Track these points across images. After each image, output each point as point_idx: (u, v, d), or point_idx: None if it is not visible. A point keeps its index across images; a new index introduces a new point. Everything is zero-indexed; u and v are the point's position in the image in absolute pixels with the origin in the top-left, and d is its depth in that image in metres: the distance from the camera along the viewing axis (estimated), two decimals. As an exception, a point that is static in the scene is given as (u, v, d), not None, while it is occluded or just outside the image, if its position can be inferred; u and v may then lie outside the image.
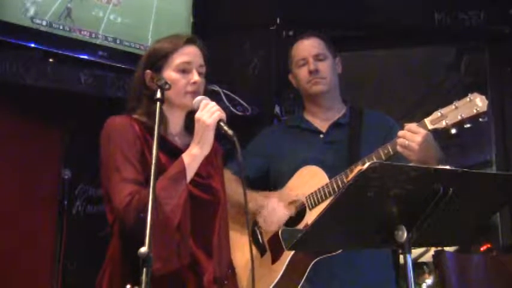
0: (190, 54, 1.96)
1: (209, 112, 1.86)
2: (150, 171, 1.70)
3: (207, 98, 1.93)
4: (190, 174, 1.85)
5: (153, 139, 1.84)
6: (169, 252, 1.76)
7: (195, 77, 1.93)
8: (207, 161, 1.94)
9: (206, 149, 1.87)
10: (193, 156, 1.86)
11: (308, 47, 2.53)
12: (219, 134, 1.89)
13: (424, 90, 5.14)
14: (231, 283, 1.97)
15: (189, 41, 1.98)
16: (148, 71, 1.95)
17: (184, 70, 1.94)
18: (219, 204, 1.97)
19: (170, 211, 1.75)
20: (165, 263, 1.74)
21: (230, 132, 1.83)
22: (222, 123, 1.85)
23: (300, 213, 2.36)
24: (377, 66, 4.58)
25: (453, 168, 1.63)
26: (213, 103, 1.89)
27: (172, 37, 2.01)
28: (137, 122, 1.92)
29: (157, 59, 1.96)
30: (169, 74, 1.94)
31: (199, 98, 1.92)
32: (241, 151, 1.97)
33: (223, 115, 1.87)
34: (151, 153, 1.81)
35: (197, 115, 1.87)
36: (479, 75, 4.18)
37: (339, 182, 2.25)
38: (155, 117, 1.85)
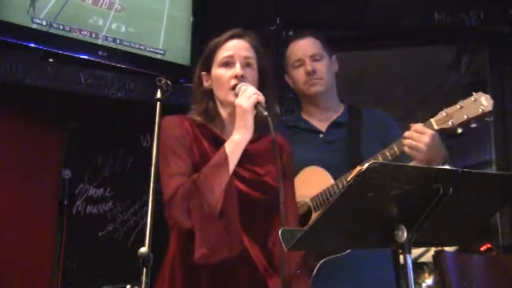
0: (232, 48, 1.96)
1: (246, 96, 1.85)
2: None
3: (247, 83, 1.91)
4: (233, 160, 1.84)
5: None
6: (216, 239, 1.78)
7: (237, 69, 1.92)
8: (267, 157, 1.94)
9: (247, 134, 1.86)
10: (234, 143, 1.85)
11: (303, 47, 2.51)
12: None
13: (424, 90, 5.14)
14: (302, 283, 1.94)
15: (232, 36, 1.99)
16: (203, 72, 2.00)
17: (227, 64, 1.95)
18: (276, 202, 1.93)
19: (212, 198, 1.77)
20: (212, 250, 1.76)
21: (265, 113, 1.82)
22: (259, 106, 1.84)
23: (306, 216, 2.35)
24: (377, 66, 4.57)
25: (453, 168, 1.62)
26: (252, 87, 1.88)
27: (220, 35, 2.03)
28: (189, 120, 1.95)
29: (206, 59, 2.00)
30: (215, 71, 1.96)
31: (240, 85, 1.90)
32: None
33: (261, 98, 1.85)
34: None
35: (236, 101, 1.87)
36: (479, 75, 4.19)
37: (345, 182, 2.24)
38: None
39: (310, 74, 2.46)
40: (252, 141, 1.92)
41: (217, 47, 1.98)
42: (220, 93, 1.95)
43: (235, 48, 1.96)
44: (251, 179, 1.90)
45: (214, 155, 1.88)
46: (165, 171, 1.85)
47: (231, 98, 1.91)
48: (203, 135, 1.95)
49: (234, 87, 1.91)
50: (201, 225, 1.76)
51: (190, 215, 1.76)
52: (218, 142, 1.92)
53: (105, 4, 2.97)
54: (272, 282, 1.88)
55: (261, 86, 1.98)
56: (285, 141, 2.09)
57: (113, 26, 2.97)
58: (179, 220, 1.79)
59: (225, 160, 1.82)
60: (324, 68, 2.48)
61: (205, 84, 2.01)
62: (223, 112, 1.98)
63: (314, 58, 2.48)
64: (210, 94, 2.00)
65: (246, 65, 1.95)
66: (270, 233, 1.92)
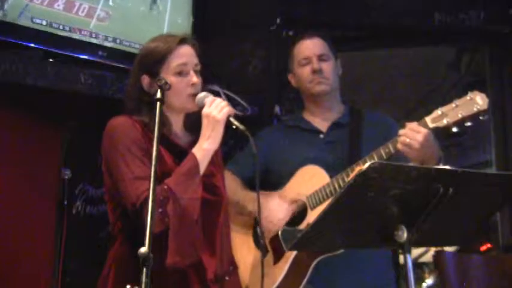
0: (185, 55, 1.95)
1: (218, 108, 1.87)
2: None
3: (209, 94, 1.94)
4: (202, 168, 1.87)
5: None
6: (188, 246, 1.79)
7: (194, 78, 1.94)
8: (210, 159, 1.94)
9: (216, 144, 1.89)
10: (205, 151, 1.87)
11: (312, 46, 2.53)
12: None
13: (424, 90, 5.14)
14: (233, 280, 1.99)
15: (182, 41, 1.96)
16: (144, 75, 1.94)
17: (181, 72, 1.93)
18: (221, 203, 1.98)
19: (189, 205, 1.78)
20: (184, 257, 1.77)
21: (242, 127, 1.86)
22: (232, 119, 1.88)
23: (301, 214, 2.36)
24: (377, 66, 4.57)
25: (453, 168, 1.63)
26: (220, 99, 1.91)
27: (165, 38, 2.00)
28: (139, 122, 1.91)
29: (153, 63, 1.93)
30: (167, 77, 1.91)
31: (201, 95, 1.93)
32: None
33: (232, 111, 1.89)
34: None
35: (205, 111, 1.88)
36: (479, 75, 4.18)
37: (340, 182, 2.25)
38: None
39: (317, 72, 2.48)
40: (192, 143, 1.93)
41: (168, 52, 1.93)
42: (176, 101, 1.93)
43: (188, 55, 1.96)
44: (203, 182, 1.89)
45: (169, 158, 1.89)
46: (128, 174, 1.82)
47: (189, 105, 1.94)
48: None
49: (192, 95, 1.92)
50: (177, 233, 1.76)
51: (162, 219, 1.74)
52: (171, 146, 1.93)
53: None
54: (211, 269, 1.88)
55: None
56: None
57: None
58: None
59: (197, 169, 1.84)
60: (330, 69, 2.51)
61: (146, 87, 1.95)
62: (172, 117, 1.97)
63: (321, 58, 2.50)
64: (151, 98, 1.91)
65: (196, 72, 1.96)
66: (216, 234, 1.93)
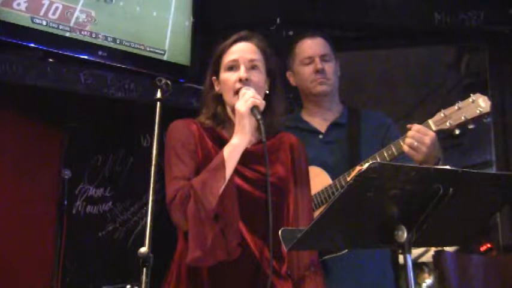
0: (237, 51, 1.96)
1: (244, 100, 1.86)
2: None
3: (249, 87, 1.90)
4: (231, 164, 1.84)
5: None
6: (211, 242, 1.77)
7: (241, 73, 1.92)
8: (273, 157, 1.94)
9: (245, 138, 1.86)
10: (232, 147, 1.85)
11: (315, 46, 2.53)
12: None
13: (424, 90, 5.15)
14: (313, 282, 1.95)
15: (238, 39, 1.98)
16: (213, 77, 2.00)
17: (232, 68, 1.95)
18: (285, 203, 1.96)
19: (208, 202, 1.78)
20: (206, 253, 1.76)
21: (258, 117, 1.83)
22: (254, 110, 1.84)
23: None
24: (377, 66, 4.58)
25: (453, 168, 1.62)
26: (251, 91, 1.88)
27: (229, 37, 2.02)
28: (197, 123, 1.96)
29: (215, 63, 2.00)
30: (222, 75, 1.96)
31: (244, 90, 1.90)
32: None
33: (257, 102, 1.85)
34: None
35: (236, 105, 1.88)
36: (479, 75, 4.19)
37: (343, 183, 2.24)
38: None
39: (319, 72, 2.47)
40: (258, 142, 1.93)
41: (223, 51, 1.98)
42: (227, 97, 1.96)
43: (240, 51, 1.96)
44: (256, 179, 1.90)
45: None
46: (168, 174, 1.87)
47: (235, 101, 1.91)
48: (210, 138, 1.95)
49: (238, 91, 1.91)
50: (195, 228, 1.77)
51: (185, 218, 1.77)
52: (222, 144, 1.92)
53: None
54: (281, 284, 1.88)
55: (269, 88, 1.99)
56: (297, 140, 2.08)
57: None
58: (178, 222, 1.82)
59: (222, 164, 1.82)
60: (332, 70, 2.51)
61: (217, 88, 2.00)
62: (233, 116, 1.97)
63: (324, 58, 2.50)
64: (219, 98, 1.99)
65: (252, 67, 1.95)
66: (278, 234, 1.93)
